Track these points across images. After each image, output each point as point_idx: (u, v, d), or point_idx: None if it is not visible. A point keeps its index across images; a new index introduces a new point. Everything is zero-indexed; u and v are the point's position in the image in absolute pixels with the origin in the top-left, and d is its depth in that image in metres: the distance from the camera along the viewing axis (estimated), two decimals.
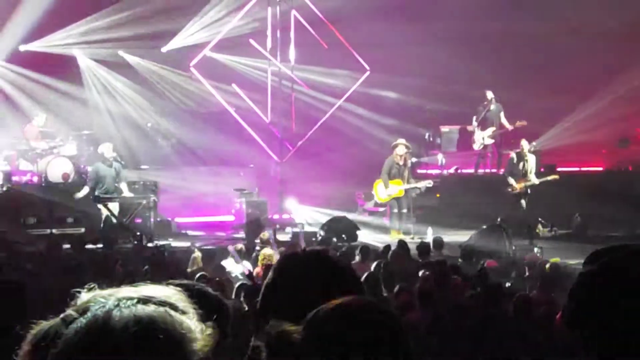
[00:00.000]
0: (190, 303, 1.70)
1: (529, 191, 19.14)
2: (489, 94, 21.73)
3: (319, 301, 2.14)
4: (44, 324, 1.64)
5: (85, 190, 17.78)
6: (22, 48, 22.38)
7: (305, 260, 2.70)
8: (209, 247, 16.07)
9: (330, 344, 1.98)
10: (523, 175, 19.14)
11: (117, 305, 1.62)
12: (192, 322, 1.66)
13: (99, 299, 1.64)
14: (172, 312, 1.65)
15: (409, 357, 2.04)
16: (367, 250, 13.86)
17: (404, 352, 2.04)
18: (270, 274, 2.71)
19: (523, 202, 19.15)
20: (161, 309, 1.64)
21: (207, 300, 3.06)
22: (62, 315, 1.64)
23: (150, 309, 1.62)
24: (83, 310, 1.62)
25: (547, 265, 12.06)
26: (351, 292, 2.31)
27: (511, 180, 19.20)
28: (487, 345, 7.58)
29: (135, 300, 1.63)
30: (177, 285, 3.15)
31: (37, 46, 22.51)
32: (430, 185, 19.82)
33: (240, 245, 14.47)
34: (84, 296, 1.68)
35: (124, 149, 20.61)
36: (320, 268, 2.64)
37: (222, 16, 22.70)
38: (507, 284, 11.10)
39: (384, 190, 19.28)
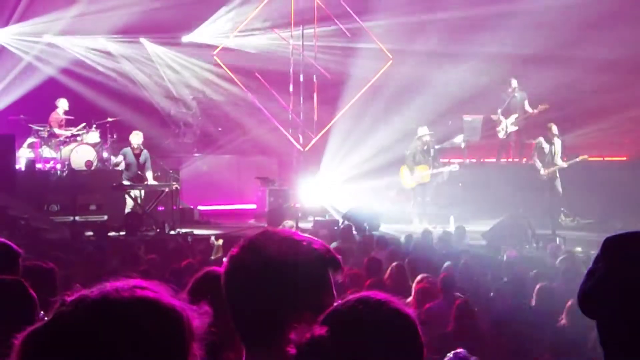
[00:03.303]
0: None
1: (558, 175, 19.06)
2: (514, 82, 21.61)
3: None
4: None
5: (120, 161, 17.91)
6: (46, 39, 22.51)
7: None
8: (231, 235, 16.10)
9: (357, 341, 2.04)
10: (550, 159, 19.07)
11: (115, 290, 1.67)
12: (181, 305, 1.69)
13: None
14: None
15: (422, 348, 2.11)
16: (384, 241, 13.85)
17: (418, 344, 2.11)
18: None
19: (557, 186, 19.08)
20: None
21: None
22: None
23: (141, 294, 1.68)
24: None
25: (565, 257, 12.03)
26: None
27: (538, 164, 19.14)
28: (511, 335, 7.56)
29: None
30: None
31: (61, 41, 22.66)
32: (456, 170, 19.72)
33: None
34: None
35: (147, 137, 20.64)
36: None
37: (247, 12, 22.67)
38: (530, 274, 11.04)
39: (411, 176, 19.21)
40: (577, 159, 19.15)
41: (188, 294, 2.96)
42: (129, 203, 17.65)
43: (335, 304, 2.19)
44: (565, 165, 19.06)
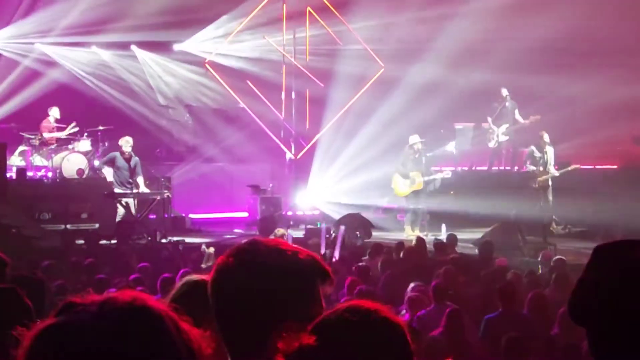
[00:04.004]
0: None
1: (550, 183, 19.14)
2: (504, 91, 21.62)
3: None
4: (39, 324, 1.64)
5: (108, 172, 17.83)
6: (37, 45, 22.50)
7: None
8: (223, 244, 16.07)
9: (345, 350, 2.06)
10: (542, 167, 19.14)
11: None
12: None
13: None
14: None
15: (411, 357, 2.12)
16: (378, 248, 13.85)
17: (408, 353, 2.12)
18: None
19: (548, 195, 19.19)
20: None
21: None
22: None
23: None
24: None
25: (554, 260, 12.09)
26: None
27: (531, 168, 19.25)
28: (503, 343, 7.56)
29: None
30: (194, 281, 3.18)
31: (50, 42, 22.63)
32: (449, 176, 19.73)
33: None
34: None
35: (138, 144, 20.62)
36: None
37: (239, 25, 22.65)
38: (522, 282, 11.06)
39: (404, 183, 19.18)
40: (569, 168, 19.21)
41: (170, 302, 2.96)
42: (120, 211, 17.59)
43: (324, 313, 2.19)
44: (557, 173, 19.11)
